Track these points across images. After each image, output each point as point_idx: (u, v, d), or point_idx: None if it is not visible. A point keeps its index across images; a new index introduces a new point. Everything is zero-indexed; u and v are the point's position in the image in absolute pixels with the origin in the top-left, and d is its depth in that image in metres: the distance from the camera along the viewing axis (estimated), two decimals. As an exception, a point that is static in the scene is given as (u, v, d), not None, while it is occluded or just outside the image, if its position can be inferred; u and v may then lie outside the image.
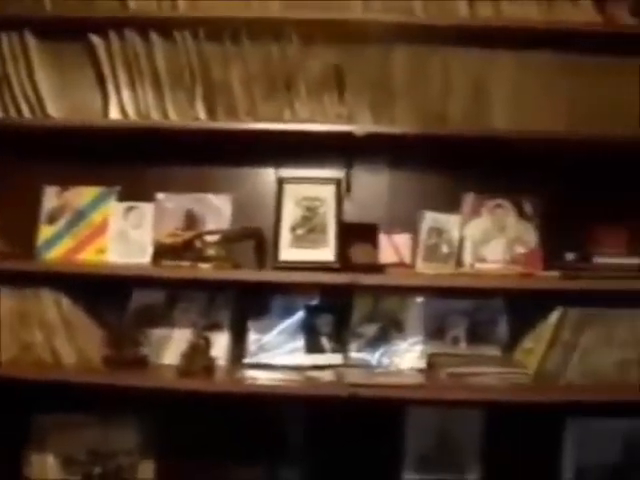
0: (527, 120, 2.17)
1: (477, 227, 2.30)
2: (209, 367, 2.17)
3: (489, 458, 2.31)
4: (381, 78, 2.18)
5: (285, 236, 2.25)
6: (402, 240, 2.30)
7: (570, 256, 2.20)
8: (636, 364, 2.18)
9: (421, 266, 2.27)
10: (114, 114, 2.21)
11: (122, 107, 2.21)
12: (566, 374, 2.18)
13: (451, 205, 2.32)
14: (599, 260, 2.18)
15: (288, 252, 2.24)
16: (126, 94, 2.21)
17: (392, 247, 2.29)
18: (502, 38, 2.16)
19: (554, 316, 2.19)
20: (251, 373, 2.21)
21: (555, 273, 2.18)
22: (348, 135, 2.13)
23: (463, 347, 2.31)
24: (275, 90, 2.18)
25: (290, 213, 2.28)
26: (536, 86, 2.19)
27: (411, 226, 2.31)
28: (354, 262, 2.21)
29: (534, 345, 2.22)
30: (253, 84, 2.18)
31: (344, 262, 2.21)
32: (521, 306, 2.30)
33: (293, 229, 2.26)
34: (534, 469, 2.31)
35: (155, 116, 2.20)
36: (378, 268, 2.21)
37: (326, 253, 2.23)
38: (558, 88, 2.19)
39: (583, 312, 2.19)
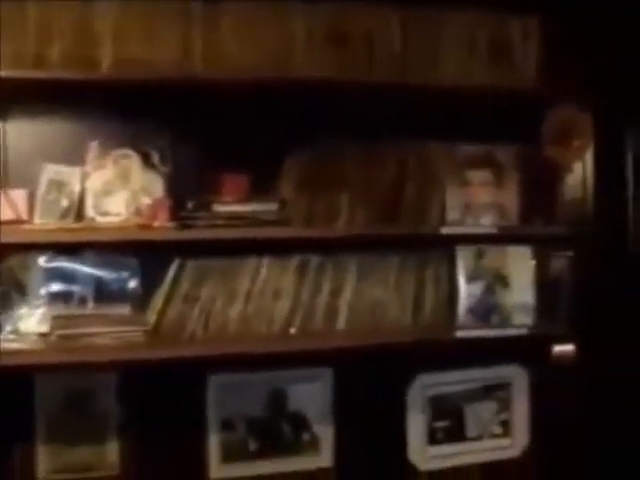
0: (133, 61, 2.05)
1: (100, 179, 2.16)
2: None
3: (126, 419, 2.21)
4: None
5: None
6: (19, 195, 2.14)
7: (190, 205, 2.10)
8: (261, 314, 2.14)
9: (38, 222, 2.12)
10: None
11: None
12: (188, 329, 2.10)
13: (75, 156, 2.18)
14: (219, 208, 2.10)
15: None
16: None
17: (8, 203, 2.12)
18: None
19: (171, 269, 2.09)
20: None
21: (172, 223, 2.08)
22: None
23: (91, 307, 2.17)
24: None
25: None
26: (141, 26, 2.08)
27: (30, 180, 2.15)
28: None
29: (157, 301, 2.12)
30: None
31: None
32: (152, 261, 2.17)
33: None
34: (176, 428, 2.23)
35: None
36: (-14, 226, 2.04)
37: None
38: (174, 30, 2.10)
39: (202, 263, 2.11)
